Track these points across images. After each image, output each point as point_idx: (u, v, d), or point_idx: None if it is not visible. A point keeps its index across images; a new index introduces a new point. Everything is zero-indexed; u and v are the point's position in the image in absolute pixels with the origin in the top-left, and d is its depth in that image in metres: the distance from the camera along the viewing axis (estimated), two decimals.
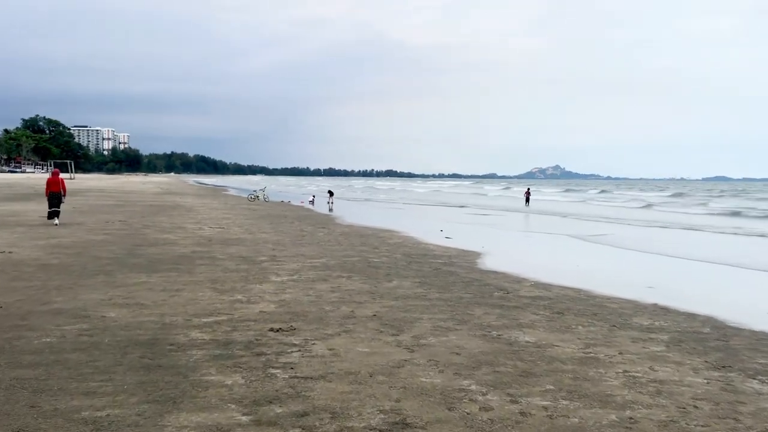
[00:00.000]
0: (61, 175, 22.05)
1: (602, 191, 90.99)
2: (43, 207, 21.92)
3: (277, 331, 7.43)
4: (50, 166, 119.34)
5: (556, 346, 7.16)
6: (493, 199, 65.86)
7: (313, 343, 6.94)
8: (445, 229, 24.03)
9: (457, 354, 6.67)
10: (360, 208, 43.19)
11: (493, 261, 14.80)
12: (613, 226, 28.96)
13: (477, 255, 15.87)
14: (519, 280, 12.00)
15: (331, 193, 45.04)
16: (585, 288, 11.35)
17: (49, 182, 21.29)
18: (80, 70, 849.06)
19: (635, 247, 19.86)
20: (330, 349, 6.71)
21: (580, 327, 8.17)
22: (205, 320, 7.89)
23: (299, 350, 6.66)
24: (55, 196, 20.84)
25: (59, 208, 21.15)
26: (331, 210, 37.14)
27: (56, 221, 20.64)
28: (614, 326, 8.27)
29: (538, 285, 11.52)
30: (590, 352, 6.92)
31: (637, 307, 9.68)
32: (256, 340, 7.02)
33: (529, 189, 52.56)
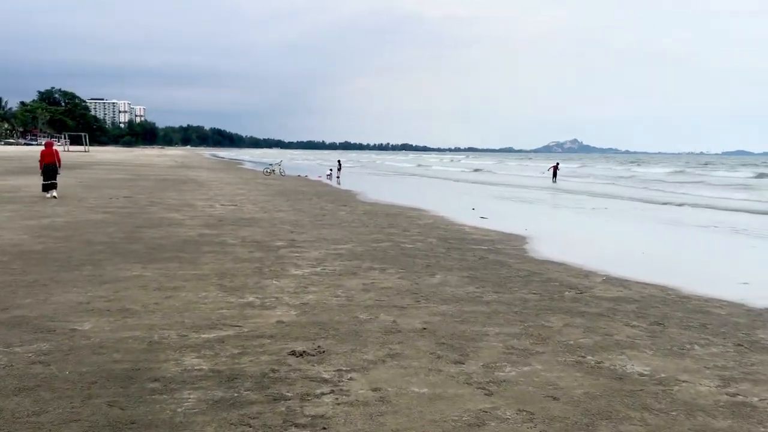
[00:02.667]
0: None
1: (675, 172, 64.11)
2: None
3: (301, 355, 5.54)
4: (65, 138, 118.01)
5: (683, 381, 5.20)
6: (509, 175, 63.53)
7: (350, 378, 5.03)
8: (475, 207, 22.02)
9: (554, 399, 4.74)
10: (378, 183, 41.22)
11: (543, 247, 12.79)
12: (657, 207, 26.83)
13: (522, 239, 13.88)
14: (585, 274, 10.02)
15: (339, 165, 44.22)
16: (668, 284, 9.35)
17: (43, 154, 20.44)
18: (96, 43, 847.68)
19: (691, 229, 17.76)
20: (374, 389, 4.81)
21: (696, 347, 6.20)
22: (205, 336, 6.02)
23: (332, 390, 4.76)
24: (50, 168, 19.89)
25: (56, 180, 20.08)
26: (339, 183, 36.58)
27: (52, 194, 19.60)
28: (740, 345, 6.29)
29: (611, 280, 9.53)
30: (736, 394, 4.96)
31: (751, 315, 7.67)
32: (272, 371, 5.12)
33: (558, 164, 49.98)
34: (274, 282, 8.55)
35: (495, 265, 10.48)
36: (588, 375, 5.28)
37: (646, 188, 39.81)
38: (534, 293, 8.37)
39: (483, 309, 7.40)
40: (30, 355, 5.33)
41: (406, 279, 9.03)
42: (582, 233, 16.87)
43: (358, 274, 9.32)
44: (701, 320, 7.27)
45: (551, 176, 47.57)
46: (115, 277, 8.58)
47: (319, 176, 43.93)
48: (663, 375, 5.33)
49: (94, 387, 4.68)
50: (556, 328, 6.70)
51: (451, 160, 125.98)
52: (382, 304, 7.47)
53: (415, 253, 11.34)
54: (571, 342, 6.20)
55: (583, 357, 5.75)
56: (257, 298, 7.63)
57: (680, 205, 26.91)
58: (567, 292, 8.51)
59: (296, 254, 10.86)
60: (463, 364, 5.45)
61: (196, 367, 5.16)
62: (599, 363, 5.60)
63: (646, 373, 5.38)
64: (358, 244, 12.22)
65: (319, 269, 9.57)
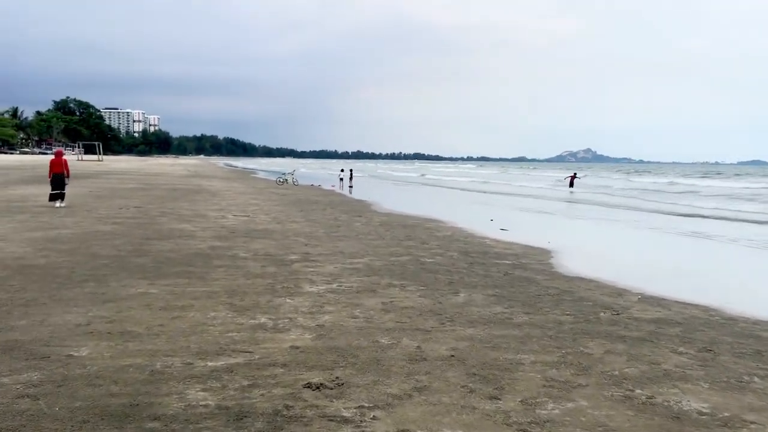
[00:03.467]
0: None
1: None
2: None
3: (318, 388, 4.98)
4: (79, 147, 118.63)
5: (751, 422, 4.59)
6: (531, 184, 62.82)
7: (373, 417, 4.47)
8: (494, 218, 21.41)
9: None
10: (391, 193, 40.71)
11: (570, 262, 12.18)
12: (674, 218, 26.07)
13: (547, 254, 13.26)
14: (619, 292, 9.40)
15: (351, 174, 43.93)
16: (710, 304, 8.72)
17: (51, 163, 20.27)
18: (111, 54, 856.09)
19: (722, 243, 17.06)
20: (402, 431, 4.24)
21: (756, 379, 5.58)
22: (212, 364, 5.47)
23: None
24: (57, 177, 19.82)
25: (64, 189, 20.10)
26: (350, 192, 36.85)
27: (58, 204, 19.61)
28: None
29: (647, 299, 8.91)
30: None
31: None
32: (286, 408, 4.56)
33: (575, 173, 49.59)
34: (288, 300, 8.01)
35: (522, 282, 9.89)
36: (640, 413, 4.68)
37: (664, 201, 38.98)
38: (567, 314, 7.77)
39: (514, 333, 6.81)
40: (18, 386, 4.81)
41: (428, 297, 8.46)
42: (607, 247, 16.20)
43: (377, 291, 8.76)
44: (754, 346, 6.64)
45: (568, 185, 47.05)
46: (119, 294, 8.07)
47: (332, 185, 43.47)
48: (726, 414, 4.73)
49: (85, 427, 4.14)
50: (597, 355, 6.10)
51: (456, 168, 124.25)
52: (404, 327, 6.90)
53: (435, 269, 10.77)
54: (616, 372, 5.60)
55: (632, 390, 5.14)
56: (269, 319, 7.09)
57: (706, 217, 26.15)
58: (603, 313, 7.91)
59: (311, 269, 10.32)
60: (500, 399, 4.87)
61: (201, 403, 4.61)
62: (651, 398, 4.99)
63: (706, 411, 4.77)
64: (375, 258, 11.67)
65: (335, 286, 9.03)
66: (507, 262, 11.87)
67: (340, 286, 9.04)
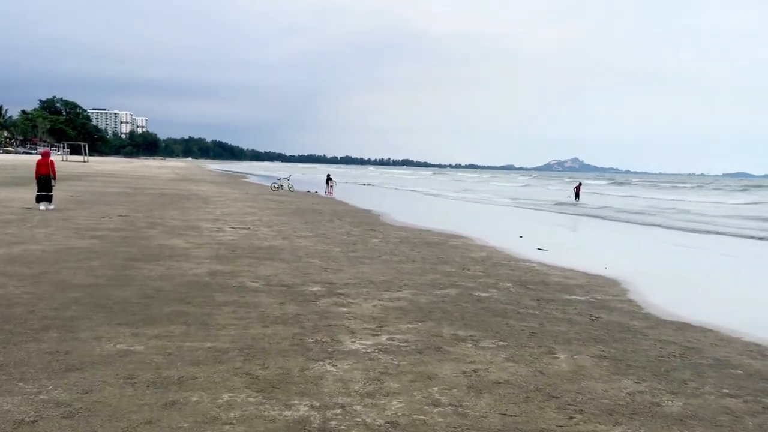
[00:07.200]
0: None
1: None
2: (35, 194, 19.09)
3: None
4: (64, 148, 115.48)
5: None
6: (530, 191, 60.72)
7: None
8: (508, 229, 19.13)
9: None
10: (386, 200, 38.38)
11: (653, 298, 9.94)
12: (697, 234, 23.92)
13: (616, 285, 11.00)
14: (758, 349, 7.12)
15: (328, 177, 42.56)
16: None
17: (38, 164, 18.95)
18: (100, 55, 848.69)
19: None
20: None
21: None
22: None
23: None
24: (43, 178, 18.56)
25: (50, 191, 18.80)
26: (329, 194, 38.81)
27: (43, 207, 18.43)
28: None
29: None
30: None
31: None
32: None
33: (580, 183, 47.77)
34: (329, 368, 5.66)
35: (622, 332, 7.58)
36: None
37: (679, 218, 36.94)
38: (728, 394, 5.48)
39: None
40: None
41: (519, 361, 6.14)
42: (672, 273, 13.86)
43: (445, 350, 6.42)
44: None
45: (574, 196, 45.19)
46: (90, 354, 5.69)
47: (327, 192, 41.05)
48: None
49: None
50: None
51: (434, 173, 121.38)
52: (519, 427, 4.57)
53: (501, 309, 8.45)
54: None
55: None
56: (312, 408, 4.73)
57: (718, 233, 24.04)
58: None
59: (344, 309, 7.98)
60: None
61: None
62: None
63: None
64: (416, 291, 9.35)
65: (384, 339, 6.69)
66: (579, 298, 9.58)
67: (392, 339, 6.70)
